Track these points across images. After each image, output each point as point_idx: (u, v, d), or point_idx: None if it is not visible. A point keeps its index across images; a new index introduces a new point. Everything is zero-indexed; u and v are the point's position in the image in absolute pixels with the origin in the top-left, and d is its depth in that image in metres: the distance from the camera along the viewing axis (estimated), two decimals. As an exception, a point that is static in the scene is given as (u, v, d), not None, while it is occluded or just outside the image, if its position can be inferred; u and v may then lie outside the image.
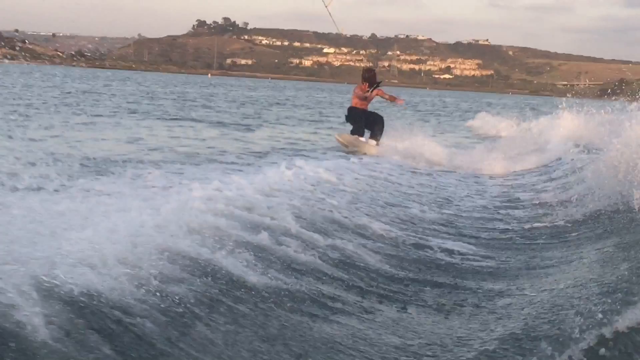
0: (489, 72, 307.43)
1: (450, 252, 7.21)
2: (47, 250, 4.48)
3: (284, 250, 6.05)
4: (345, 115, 18.27)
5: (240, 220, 6.62)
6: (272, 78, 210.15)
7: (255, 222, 6.73)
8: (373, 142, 17.57)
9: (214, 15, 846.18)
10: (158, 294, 4.34)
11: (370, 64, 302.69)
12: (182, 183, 8.72)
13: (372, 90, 17.71)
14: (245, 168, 12.45)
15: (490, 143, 22.27)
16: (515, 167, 16.23)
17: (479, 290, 5.81)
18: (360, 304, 5.29)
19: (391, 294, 5.62)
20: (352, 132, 17.83)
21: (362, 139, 17.64)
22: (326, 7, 20.01)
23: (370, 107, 18.15)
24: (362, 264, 6.33)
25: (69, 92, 40.05)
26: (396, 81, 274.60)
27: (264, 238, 6.14)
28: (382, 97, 18.00)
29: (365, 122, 17.69)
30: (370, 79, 17.73)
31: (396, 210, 9.45)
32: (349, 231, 7.54)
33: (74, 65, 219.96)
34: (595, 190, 9.23)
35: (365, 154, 16.61)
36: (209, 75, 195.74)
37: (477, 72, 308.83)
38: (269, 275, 5.32)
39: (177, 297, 4.39)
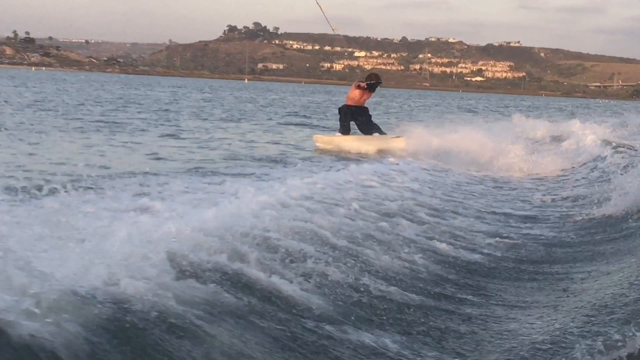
0: (521, 74, 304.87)
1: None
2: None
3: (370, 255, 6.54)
4: (345, 113, 18.73)
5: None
6: (305, 82, 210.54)
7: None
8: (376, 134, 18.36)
9: (244, 20, 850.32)
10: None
11: (402, 68, 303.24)
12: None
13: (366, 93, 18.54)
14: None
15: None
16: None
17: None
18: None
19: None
20: (344, 132, 18.52)
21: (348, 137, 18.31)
22: (318, 4, 20.48)
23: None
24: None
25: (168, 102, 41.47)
26: (428, 84, 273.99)
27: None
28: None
29: (362, 119, 18.47)
30: (374, 85, 18.64)
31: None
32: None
33: (108, 72, 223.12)
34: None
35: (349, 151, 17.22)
36: (246, 80, 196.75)
37: (509, 74, 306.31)
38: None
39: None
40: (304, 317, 4.70)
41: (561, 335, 4.52)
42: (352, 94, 18.39)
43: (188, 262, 5.08)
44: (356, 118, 18.38)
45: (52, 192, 8.72)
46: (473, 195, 11.80)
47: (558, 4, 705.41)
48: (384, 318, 4.96)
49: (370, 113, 18.91)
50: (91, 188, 9.27)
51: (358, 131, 18.77)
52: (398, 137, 18.24)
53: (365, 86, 18.41)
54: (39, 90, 43.98)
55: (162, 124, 23.73)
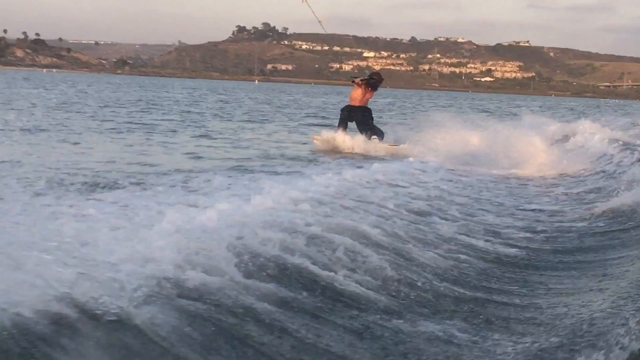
0: (530, 74, 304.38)
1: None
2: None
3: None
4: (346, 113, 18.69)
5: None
6: (314, 83, 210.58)
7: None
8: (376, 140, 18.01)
9: (253, 20, 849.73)
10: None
11: (411, 68, 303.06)
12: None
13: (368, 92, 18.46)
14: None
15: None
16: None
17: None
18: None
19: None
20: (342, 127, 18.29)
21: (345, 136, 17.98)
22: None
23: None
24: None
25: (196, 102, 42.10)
26: (437, 85, 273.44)
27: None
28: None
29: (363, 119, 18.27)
30: (375, 84, 18.57)
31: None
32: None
33: (118, 73, 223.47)
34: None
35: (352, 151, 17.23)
36: (256, 81, 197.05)
37: (519, 74, 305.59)
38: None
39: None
40: (370, 312, 5.00)
41: (609, 314, 4.90)
42: (355, 94, 18.39)
43: (250, 258, 5.38)
44: (357, 118, 18.26)
45: (112, 187, 9.39)
46: (500, 192, 12.09)
47: (567, 2, 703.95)
48: (444, 310, 5.27)
49: (373, 115, 18.78)
50: (142, 183, 9.98)
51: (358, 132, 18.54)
52: (396, 145, 17.86)
53: (360, 82, 18.35)
54: (60, 93, 44.56)
55: (189, 125, 24.32)
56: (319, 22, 20.86)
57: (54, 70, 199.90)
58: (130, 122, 23.89)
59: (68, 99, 36.74)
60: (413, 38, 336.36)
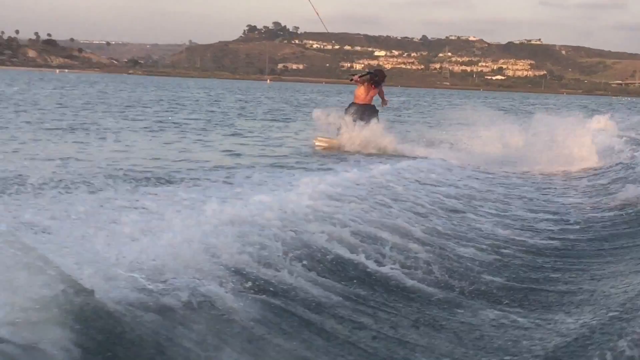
0: (542, 73, 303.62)
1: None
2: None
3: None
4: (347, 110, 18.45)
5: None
6: (325, 82, 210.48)
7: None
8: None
9: (264, 20, 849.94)
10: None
11: (422, 67, 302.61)
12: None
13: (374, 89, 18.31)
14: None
15: None
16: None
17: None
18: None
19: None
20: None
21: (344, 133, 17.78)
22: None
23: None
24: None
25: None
26: (448, 84, 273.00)
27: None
28: (380, 97, 18.46)
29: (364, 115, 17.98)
30: (379, 80, 18.40)
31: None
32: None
33: (130, 73, 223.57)
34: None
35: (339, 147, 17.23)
36: (268, 81, 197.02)
37: (530, 73, 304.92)
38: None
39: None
40: (430, 305, 5.25)
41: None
42: (358, 92, 18.32)
43: (307, 252, 5.66)
44: (362, 116, 18.00)
45: (167, 181, 9.79)
46: (528, 189, 12.32)
47: (578, 0, 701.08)
48: (499, 300, 5.53)
49: (377, 113, 18.52)
50: (193, 179, 10.40)
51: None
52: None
53: (357, 79, 18.41)
54: (81, 93, 45.14)
55: (217, 124, 24.85)
56: (317, 13, 21.00)
57: (66, 70, 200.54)
58: (160, 121, 24.47)
59: (91, 99, 37.29)
60: (424, 37, 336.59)
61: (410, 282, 5.64)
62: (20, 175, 8.37)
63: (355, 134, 17.41)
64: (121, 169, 11.08)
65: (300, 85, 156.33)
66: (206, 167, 12.56)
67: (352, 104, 18.45)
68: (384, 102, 18.58)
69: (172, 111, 31.23)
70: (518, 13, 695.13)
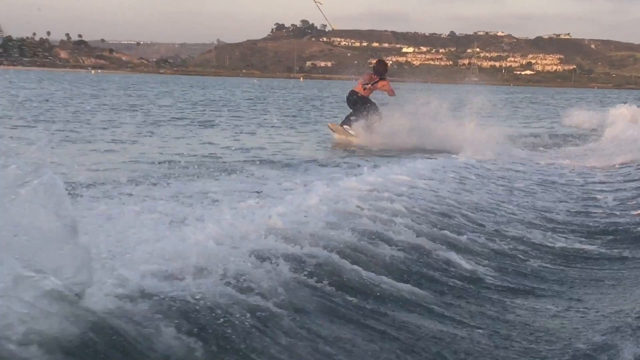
0: (571, 67, 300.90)
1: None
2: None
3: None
4: (347, 97, 18.83)
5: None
6: (355, 79, 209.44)
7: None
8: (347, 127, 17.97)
9: (292, 18, 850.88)
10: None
11: (450, 63, 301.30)
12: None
13: (376, 82, 18.24)
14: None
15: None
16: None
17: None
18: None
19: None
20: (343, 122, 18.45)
21: (350, 130, 18.01)
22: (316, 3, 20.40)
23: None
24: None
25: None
26: (476, 79, 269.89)
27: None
28: (386, 90, 18.39)
29: (357, 106, 18.12)
30: (382, 71, 18.49)
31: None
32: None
33: (161, 73, 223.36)
34: None
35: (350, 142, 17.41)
36: (300, 79, 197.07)
37: (559, 67, 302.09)
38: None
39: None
40: (482, 288, 5.59)
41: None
42: (361, 81, 18.42)
43: (361, 246, 5.84)
44: (357, 106, 18.21)
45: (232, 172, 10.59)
46: (563, 186, 12.03)
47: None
48: (542, 290, 5.77)
49: (372, 106, 18.36)
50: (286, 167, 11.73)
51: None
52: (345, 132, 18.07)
53: (370, 85, 18.28)
54: (124, 94, 46.02)
55: (284, 120, 26.32)
56: (321, 11, 22.47)
57: (100, 71, 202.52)
58: (232, 118, 26.04)
59: (155, 100, 38.42)
60: (452, 32, 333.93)
61: (472, 268, 6.05)
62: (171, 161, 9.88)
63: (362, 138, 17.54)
64: (214, 158, 13.15)
65: (332, 82, 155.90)
66: (302, 158, 13.84)
67: (353, 92, 18.43)
68: (391, 93, 18.46)
69: (225, 109, 31.74)
70: (546, 8, 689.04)
